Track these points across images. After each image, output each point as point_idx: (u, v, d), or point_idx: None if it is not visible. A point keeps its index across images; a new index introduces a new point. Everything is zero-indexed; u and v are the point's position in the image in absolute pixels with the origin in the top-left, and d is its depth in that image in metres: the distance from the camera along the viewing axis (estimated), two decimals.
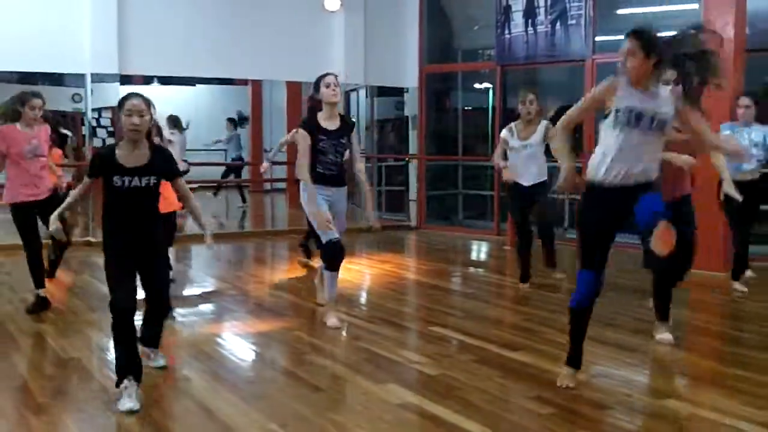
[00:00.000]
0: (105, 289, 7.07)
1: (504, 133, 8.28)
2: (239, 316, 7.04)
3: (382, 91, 14.82)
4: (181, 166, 10.57)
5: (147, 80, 22.05)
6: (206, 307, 7.44)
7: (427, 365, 5.36)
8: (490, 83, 13.47)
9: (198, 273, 9.53)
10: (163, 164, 4.77)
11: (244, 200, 16.94)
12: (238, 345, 6.11)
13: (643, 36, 4.58)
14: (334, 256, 6.41)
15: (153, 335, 5.17)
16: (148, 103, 4.74)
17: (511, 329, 6.39)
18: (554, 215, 9.25)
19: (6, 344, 6.00)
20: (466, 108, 14.49)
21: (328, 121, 6.55)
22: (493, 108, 13.12)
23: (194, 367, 5.30)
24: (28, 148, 6.84)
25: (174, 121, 14.14)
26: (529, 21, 11.97)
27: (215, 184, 17.82)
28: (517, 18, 12.13)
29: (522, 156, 8.08)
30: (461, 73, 14.22)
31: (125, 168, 4.60)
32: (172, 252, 7.65)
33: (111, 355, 5.71)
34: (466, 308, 7.48)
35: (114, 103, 12.23)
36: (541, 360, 5.34)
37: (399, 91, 14.54)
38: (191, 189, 5.17)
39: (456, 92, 14.47)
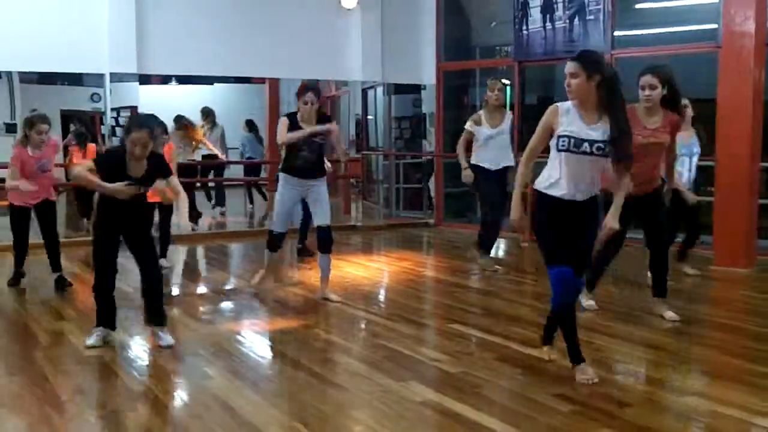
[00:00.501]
0: (125, 287, 7.17)
1: (470, 125, 8.83)
2: (259, 314, 7.06)
3: (400, 89, 14.81)
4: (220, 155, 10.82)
5: (165, 80, 22.16)
6: (226, 305, 7.46)
7: (447, 363, 5.35)
8: (508, 79, 13.43)
9: (217, 271, 9.56)
10: (157, 170, 5.64)
11: (251, 200, 16.72)
12: (258, 343, 6.12)
13: (584, 58, 4.80)
14: (269, 244, 7.57)
15: (155, 311, 5.83)
16: (151, 133, 5.45)
17: (531, 326, 6.36)
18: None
19: (28, 342, 6.04)
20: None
21: (305, 123, 7.17)
22: (512, 105, 13.08)
23: (215, 365, 5.31)
24: (37, 167, 7.67)
25: (207, 114, 14.22)
26: (547, 16, 11.92)
27: (233, 183, 17.71)
28: (535, 14, 12.08)
29: (495, 141, 8.77)
30: (479, 70, 14.19)
31: (131, 177, 5.48)
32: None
33: (132, 352, 5.77)
34: (486, 305, 7.47)
35: (133, 102, 12.46)
36: (562, 357, 5.32)
37: (416, 89, 14.53)
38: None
39: (474, 89, 14.43)
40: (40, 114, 7.83)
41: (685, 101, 7.89)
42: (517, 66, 12.61)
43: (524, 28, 12.26)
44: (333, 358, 5.56)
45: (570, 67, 4.77)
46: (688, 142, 8.03)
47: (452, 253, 10.58)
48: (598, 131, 4.73)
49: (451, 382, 4.92)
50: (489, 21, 14.21)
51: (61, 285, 7.85)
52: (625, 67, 11.20)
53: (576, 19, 11.54)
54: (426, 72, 13.73)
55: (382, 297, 8.06)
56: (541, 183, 4.93)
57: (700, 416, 4.30)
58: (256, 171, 18.63)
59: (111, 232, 5.68)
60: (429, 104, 14.03)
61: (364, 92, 14.75)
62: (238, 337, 6.15)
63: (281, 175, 7.33)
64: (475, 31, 14.28)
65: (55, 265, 7.94)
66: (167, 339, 5.73)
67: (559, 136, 4.77)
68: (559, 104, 4.85)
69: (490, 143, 8.76)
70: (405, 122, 16.25)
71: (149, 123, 5.54)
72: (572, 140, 4.73)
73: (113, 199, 5.51)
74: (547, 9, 11.89)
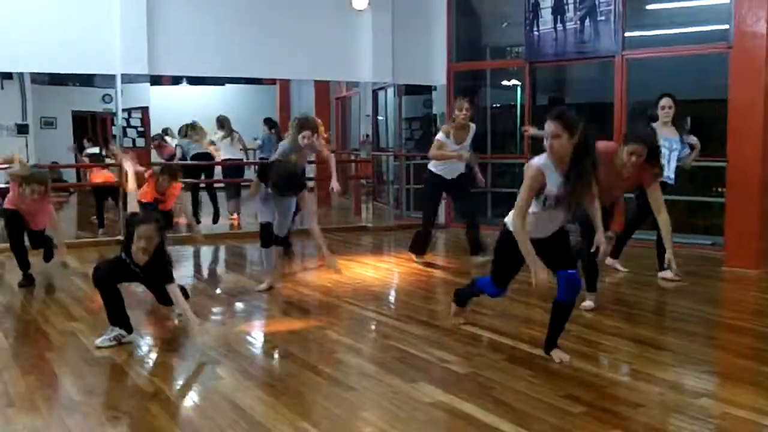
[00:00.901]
0: (136, 287, 7.18)
1: (442, 136, 9.23)
2: (269, 315, 7.07)
3: (410, 90, 14.81)
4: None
5: (176, 80, 22.19)
6: (236, 306, 7.47)
7: (457, 364, 5.35)
8: (519, 80, 13.42)
9: (228, 272, 9.57)
10: (156, 270, 5.81)
11: None
12: (268, 343, 6.13)
13: (565, 118, 4.80)
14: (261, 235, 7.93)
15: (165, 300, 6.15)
16: (159, 228, 5.64)
17: (542, 327, 6.33)
18: (477, 203, 10.47)
19: (40, 343, 6.06)
20: (494, 106, 14.44)
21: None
22: (522, 105, 13.08)
23: (225, 365, 5.32)
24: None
25: (222, 123, 14.19)
26: (558, 17, 11.91)
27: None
28: (546, 15, 12.08)
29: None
30: (489, 71, 14.18)
31: (134, 264, 5.77)
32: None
33: (144, 353, 5.78)
34: (496, 306, 7.45)
35: (144, 103, 12.48)
36: (572, 358, 5.32)
37: (427, 89, 14.52)
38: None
39: (484, 90, 14.42)
40: (40, 172, 8.26)
41: (666, 101, 8.51)
42: (528, 67, 12.61)
43: (535, 29, 12.25)
44: (343, 359, 5.57)
45: (552, 127, 4.79)
46: (669, 137, 8.44)
47: (462, 253, 10.55)
48: None
49: (461, 383, 4.93)
50: (500, 22, 14.21)
51: (29, 282, 8.24)
52: (636, 68, 11.23)
53: (587, 20, 11.53)
54: (437, 73, 13.73)
55: (392, 298, 8.06)
56: (509, 224, 5.18)
57: (711, 417, 4.29)
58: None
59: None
60: (439, 105, 14.02)
61: (375, 93, 14.74)
62: (249, 338, 6.16)
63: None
64: (485, 32, 14.28)
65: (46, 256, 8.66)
66: (175, 311, 6.46)
67: (547, 196, 4.93)
68: (540, 164, 4.91)
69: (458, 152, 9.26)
70: (415, 123, 16.24)
71: (152, 217, 5.86)
72: (554, 198, 4.92)
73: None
74: (558, 10, 11.88)
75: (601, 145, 6.11)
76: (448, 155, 9.06)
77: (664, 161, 7.95)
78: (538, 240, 5.05)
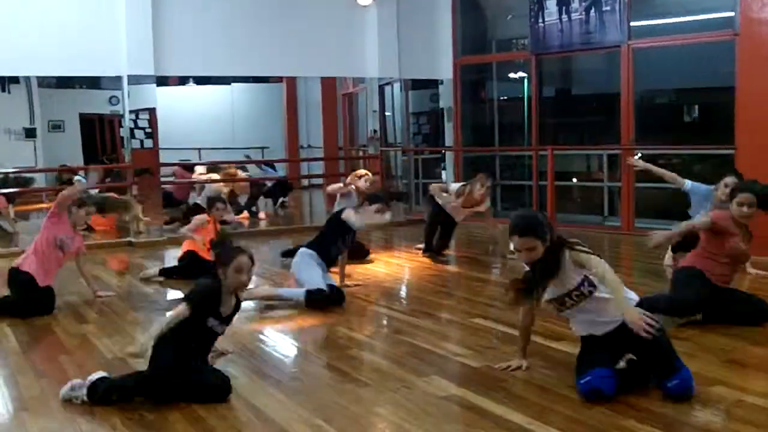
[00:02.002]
0: (146, 289, 7.18)
1: (453, 186, 9.58)
2: (281, 313, 7.05)
3: (417, 84, 14.80)
4: None
5: (182, 81, 22.26)
6: (247, 304, 7.43)
7: (470, 357, 5.34)
8: (525, 73, 13.40)
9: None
10: (238, 309, 4.97)
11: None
12: (280, 341, 6.14)
13: (532, 229, 4.49)
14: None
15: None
16: (252, 260, 4.88)
17: (554, 319, 6.31)
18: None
19: (52, 346, 6.08)
20: (501, 98, 14.42)
21: None
22: (529, 97, 13.05)
23: (238, 364, 5.32)
24: (56, 241, 7.17)
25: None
26: (563, 9, 11.89)
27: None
28: (551, 6, 12.06)
29: (460, 214, 9.61)
30: (496, 64, 14.15)
31: (221, 315, 4.79)
32: None
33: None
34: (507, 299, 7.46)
35: (151, 104, 12.50)
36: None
37: (433, 84, 14.51)
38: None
39: (491, 83, 14.40)
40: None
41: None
42: (534, 59, 12.58)
43: (540, 20, 12.23)
44: (356, 355, 5.57)
45: (523, 242, 4.48)
46: None
47: (473, 247, 10.55)
48: (565, 281, 4.52)
49: (474, 377, 4.92)
50: (505, 14, 14.19)
51: None
52: (643, 57, 11.19)
53: (592, 11, 11.50)
54: (443, 67, 13.73)
55: (403, 293, 8.06)
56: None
57: (725, 405, 4.27)
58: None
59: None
60: (446, 99, 14.02)
61: (381, 88, 14.73)
62: (261, 336, 6.16)
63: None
64: (491, 25, 14.26)
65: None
66: None
67: (547, 302, 4.67)
68: (520, 279, 4.71)
69: (454, 210, 9.58)
70: (423, 117, 16.23)
71: (244, 249, 4.91)
72: (554, 303, 4.64)
73: (194, 338, 4.74)
74: (563, 1, 11.88)
75: (715, 216, 6.12)
76: (445, 201, 9.50)
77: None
78: (604, 336, 4.58)
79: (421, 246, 9.80)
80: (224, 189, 12.98)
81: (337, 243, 7.43)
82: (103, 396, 4.54)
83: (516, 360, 5.02)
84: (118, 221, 12.85)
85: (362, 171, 10.41)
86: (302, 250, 7.40)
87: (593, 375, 4.37)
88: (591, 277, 4.45)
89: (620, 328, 4.46)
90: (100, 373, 4.71)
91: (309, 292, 6.91)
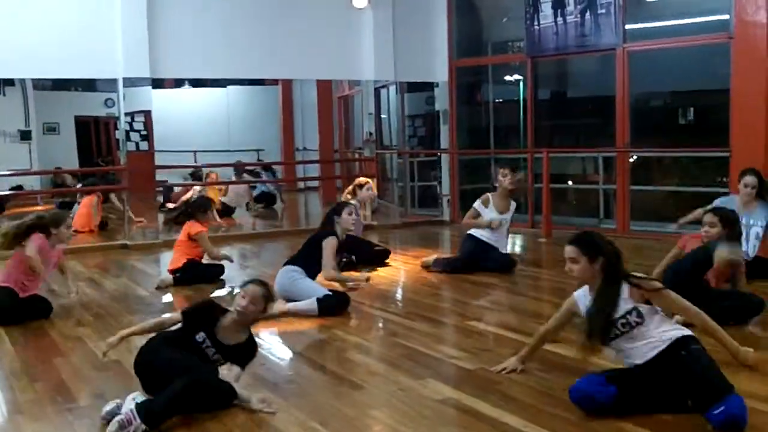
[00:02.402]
0: (142, 291, 7.17)
1: (478, 204, 8.93)
2: (277, 315, 7.05)
3: (412, 87, 14.80)
4: None
5: (178, 83, 22.26)
6: None
7: (465, 360, 5.35)
8: (521, 75, 13.41)
9: (234, 272, 9.56)
10: (248, 355, 4.83)
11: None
12: (276, 344, 6.13)
13: (582, 241, 4.53)
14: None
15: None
16: (268, 296, 4.82)
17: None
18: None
19: (47, 348, 6.07)
20: (497, 101, 14.43)
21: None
22: (525, 100, 13.06)
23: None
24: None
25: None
26: (559, 11, 11.90)
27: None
28: (546, 9, 12.07)
29: (501, 227, 8.87)
30: (491, 66, 14.16)
31: (216, 339, 4.69)
32: None
33: None
34: (503, 302, 7.47)
35: (146, 107, 12.50)
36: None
37: (429, 86, 14.51)
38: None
39: (486, 85, 14.40)
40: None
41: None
42: (530, 61, 12.60)
43: (536, 23, 12.24)
44: (351, 358, 5.57)
45: (568, 251, 4.52)
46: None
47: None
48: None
49: (469, 380, 4.93)
50: (500, 17, 14.20)
51: None
52: (638, 60, 11.21)
53: (587, 14, 11.52)
54: (438, 69, 13.73)
55: (399, 296, 8.05)
56: None
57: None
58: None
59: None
60: (442, 102, 14.01)
61: (377, 91, 14.74)
62: (257, 339, 6.15)
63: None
64: (486, 28, 14.28)
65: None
66: None
67: None
68: (576, 294, 4.69)
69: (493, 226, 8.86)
70: (418, 120, 16.24)
71: (267, 286, 4.87)
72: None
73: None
74: (559, 4, 11.88)
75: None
76: (480, 223, 8.80)
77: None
78: (644, 366, 4.33)
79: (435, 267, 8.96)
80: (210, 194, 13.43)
81: (317, 265, 7.34)
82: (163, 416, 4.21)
83: (512, 361, 5.02)
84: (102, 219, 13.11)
85: (362, 179, 10.35)
86: (286, 267, 7.34)
87: (582, 379, 4.33)
88: (641, 308, 4.36)
89: (660, 356, 4.28)
90: (137, 397, 4.36)
91: (319, 300, 6.86)
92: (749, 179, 7.76)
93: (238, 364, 4.74)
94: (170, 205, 15.01)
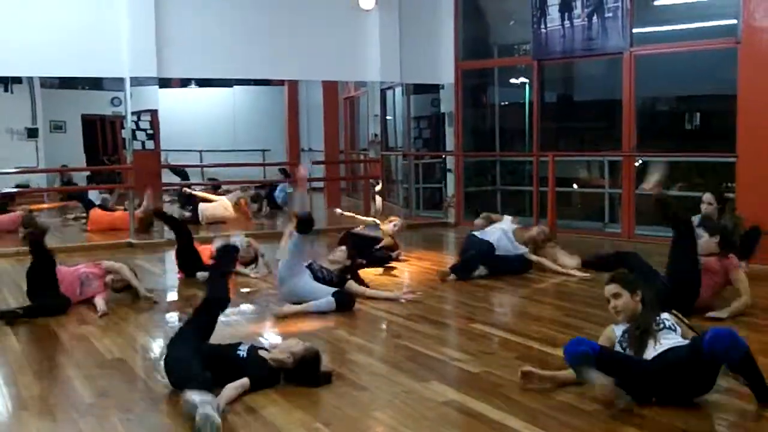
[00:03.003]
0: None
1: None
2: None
3: (418, 89, 14.81)
4: None
5: (184, 83, 22.27)
6: (247, 307, 7.47)
7: (468, 362, 5.35)
8: (527, 78, 13.41)
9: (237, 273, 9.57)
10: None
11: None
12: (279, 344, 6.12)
13: (621, 278, 4.93)
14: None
15: None
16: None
17: (552, 325, 6.36)
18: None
19: (52, 346, 6.09)
20: (502, 103, 14.44)
21: None
22: (531, 103, 13.06)
23: None
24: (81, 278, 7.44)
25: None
26: (566, 15, 11.90)
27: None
28: (553, 12, 12.07)
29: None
30: (497, 69, 14.17)
31: None
32: None
33: (155, 355, 5.78)
34: (507, 304, 7.47)
35: (153, 106, 12.52)
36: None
37: (435, 88, 14.53)
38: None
39: (492, 88, 14.42)
40: None
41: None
42: (536, 65, 12.59)
43: (543, 26, 12.24)
44: (354, 359, 5.57)
45: (608, 289, 4.88)
46: None
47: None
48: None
49: (472, 382, 4.93)
50: (507, 20, 14.20)
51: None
52: (645, 64, 11.20)
53: (594, 17, 11.51)
54: (444, 71, 13.74)
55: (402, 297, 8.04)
56: None
57: (727, 414, 4.28)
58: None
59: None
60: (447, 103, 14.03)
61: (383, 92, 14.75)
62: (260, 339, 6.16)
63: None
64: (493, 30, 14.28)
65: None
66: None
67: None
68: (613, 324, 4.89)
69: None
70: (424, 122, 16.26)
71: None
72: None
73: None
74: (566, 7, 11.88)
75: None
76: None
77: None
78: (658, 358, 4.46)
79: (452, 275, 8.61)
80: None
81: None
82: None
83: (540, 375, 4.80)
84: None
85: (393, 217, 10.56)
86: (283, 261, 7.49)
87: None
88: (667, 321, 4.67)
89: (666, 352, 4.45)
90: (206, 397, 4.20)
91: (335, 295, 7.04)
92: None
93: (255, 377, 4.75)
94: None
